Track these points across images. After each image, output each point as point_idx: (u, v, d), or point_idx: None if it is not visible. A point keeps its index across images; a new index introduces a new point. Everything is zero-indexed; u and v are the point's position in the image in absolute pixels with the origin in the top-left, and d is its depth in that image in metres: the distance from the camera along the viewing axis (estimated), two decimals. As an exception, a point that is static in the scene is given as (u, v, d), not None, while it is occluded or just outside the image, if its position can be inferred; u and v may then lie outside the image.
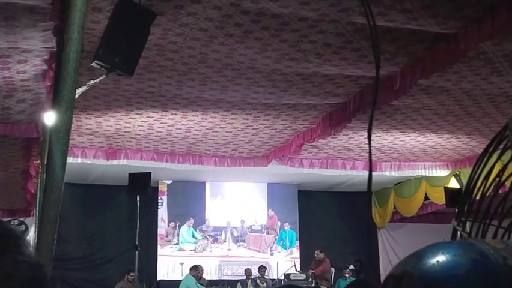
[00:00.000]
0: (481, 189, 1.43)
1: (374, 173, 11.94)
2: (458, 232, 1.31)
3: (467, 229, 1.31)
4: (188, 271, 13.60)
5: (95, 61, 5.55)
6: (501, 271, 0.86)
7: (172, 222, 15.74)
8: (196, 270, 13.27)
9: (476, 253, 0.88)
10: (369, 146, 1.33)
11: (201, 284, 13.22)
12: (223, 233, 16.08)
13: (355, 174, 13.14)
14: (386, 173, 12.71)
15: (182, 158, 11.99)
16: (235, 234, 16.14)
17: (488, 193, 1.44)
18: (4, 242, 0.81)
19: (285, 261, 15.65)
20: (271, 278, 14.70)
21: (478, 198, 1.43)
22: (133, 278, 12.35)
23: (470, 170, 1.50)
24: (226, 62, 7.19)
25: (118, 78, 7.24)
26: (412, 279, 0.88)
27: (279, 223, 16.44)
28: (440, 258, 0.88)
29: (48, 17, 5.54)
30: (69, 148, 4.97)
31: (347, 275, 13.61)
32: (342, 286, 13.43)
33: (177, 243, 15.69)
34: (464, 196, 1.41)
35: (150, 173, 11.56)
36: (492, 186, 1.45)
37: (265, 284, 13.70)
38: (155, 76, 7.66)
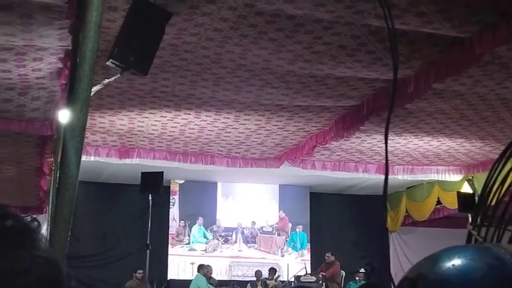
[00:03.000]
0: (497, 194, 1.42)
1: (386, 177, 11.88)
2: (473, 237, 1.31)
3: (483, 234, 1.30)
4: (197, 271, 13.63)
5: (110, 60, 5.58)
6: (517, 276, 0.86)
7: (182, 222, 15.77)
8: (204, 268, 13.28)
9: (492, 257, 0.88)
10: (386, 149, 1.33)
11: (210, 284, 13.24)
12: (234, 233, 16.09)
13: (367, 177, 13.11)
14: (398, 177, 12.66)
15: (194, 158, 12.00)
16: (246, 235, 16.15)
17: (503, 199, 1.43)
18: (20, 237, 0.82)
19: (296, 263, 15.63)
20: (282, 279, 14.69)
21: (493, 203, 1.42)
22: (141, 275, 12.38)
23: (485, 175, 1.49)
24: (240, 62, 7.19)
25: (132, 78, 7.26)
26: (427, 282, 0.88)
27: (290, 225, 16.43)
28: (456, 261, 0.88)
29: (65, 15, 5.57)
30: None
31: (357, 278, 13.58)
32: (352, 289, 13.41)
33: (188, 243, 15.72)
34: (479, 200, 1.41)
35: (162, 172, 11.59)
36: (508, 192, 1.44)
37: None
38: (169, 76, 7.68)
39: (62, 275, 0.84)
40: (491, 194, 1.38)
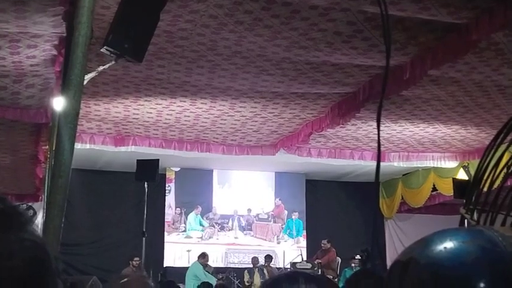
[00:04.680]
0: (490, 179, 1.42)
1: (382, 164, 11.82)
2: (466, 220, 1.31)
3: (475, 217, 1.30)
4: (194, 258, 13.66)
5: (105, 47, 5.55)
6: (510, 259, 0.85)
7: (178, 209, 15.78)
8: (204, 257, 13.33)
9: (485, 240, 0.87)
10: (378, 136, 1.32)
11: (207, 271, 13.27)
12: (230, 221, 16.11)
13: (363, 164, 13.11)
14: (394, 164, 12.68)
15: (190, 146, 11.99)
16: (242, 222, 16.17)
17: (496, 183, 1.42)
18: (8, 220, 0.82)
19: (292, 250, 15.67)
20: (278, 266, 14.73)
21: (486, 188, 1.42)
22: (137, 263, 12.40)
23: (479, 160, 1.48)
24: (235, 49, 7.17)
25: (127, 65, 7.24)
26: (419, 265, 0.87)
27: (286, 212, 16.45)
28: (448, 244, 0.87)
29: (58, 2, 5.55)
30: (78, 134, 4.96)
31: (353, 265, 13.61)
32: (348, 275, 13.43)
33: (184, 231, 15.74)
34: (472, 184, 1.41)
35: (158, 160, 11.58)
36: (501, 177, 1.43)
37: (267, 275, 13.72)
38: (165, 63, 7.65)
39: (49, 258, 0.83)
40: (484, 179, 1.38)
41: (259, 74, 8.07)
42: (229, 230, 16.07)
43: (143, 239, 11.06)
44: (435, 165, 13.08)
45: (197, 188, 15.84)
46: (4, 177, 12.77)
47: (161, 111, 9.99)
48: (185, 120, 10.58)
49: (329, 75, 8.11)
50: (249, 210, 16.23)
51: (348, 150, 12.54)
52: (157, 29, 5.80)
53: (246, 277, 13.99)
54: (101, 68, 6.19)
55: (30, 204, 13.71)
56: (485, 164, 1.39)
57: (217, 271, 13.97)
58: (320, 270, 13.38)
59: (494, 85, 8.27)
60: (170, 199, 15.82)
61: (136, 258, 12.49)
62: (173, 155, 12.26)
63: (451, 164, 12.90)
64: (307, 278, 1.68)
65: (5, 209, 0.83)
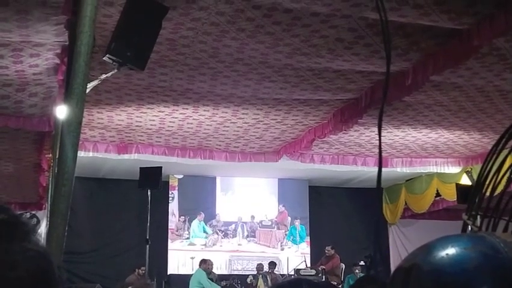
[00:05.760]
0: (492, 183, 1.42)
1: (385, 169, 11.91)
2: (469, 226, 1.31)
3: (478, 223, 1.30)
4: (198, 266, 13.64)
5: (107, 55, 5.58)
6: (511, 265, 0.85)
7: (182, 217, 15.77)
8: (205, 263, 13.30)
9: (487, 246, 0.87)
10: (380, 141, 1.32)
11: (210, 278, 13.25)
12: (233, 227, 16.10)
13: (366, 170, 13.11)
14: (397, 169, 12.66)
15: (193, 153, 11.99)
16: (246, 229, 16.16)
17: (499, 188, 1.42)
18: (12, 230, 0.82)
19: (295, 257, 15.65)
20: (281, 273, 14.71)
21: (488, 193, 1.42)
22: (143, 272, 12.39)
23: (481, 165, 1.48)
24: (237, 56, 7.18)
25: (129, 73, 7.26)
26: (421, 271, 0.87)
27: (289, 218, 16.43)
28: (450, 251, 0.88)
29: (61, 10, 5.57)
30: (81, 142, 4.98)
31: (357, 271, 13.58)
32: (351, 282, 13.40)
33: (188, 238, 15.73)
34: (474, 190, 1.41)
35: (161, 167, 11.59)
36: (503, 181, 1.43)
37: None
38: (167, 71, 7.67)
39: (53, 268, 0.84)
40: (486, 184, 1.38)
41: (261, 80, 8.09)
42: (233, 237, 16.06)
43: (147, 246, 11.05)
44: (438, 171, 13.07)
45: (200, 195, 15.84)
46: (7, 185, 12.79)
47: (164, 118, 10.00)
48: (188, 128, 10.59)
49: (331, 82, 8.12)
50: (253, 217, 16.22)
51: (351, 156, 12.54)
52: (159, 37, 5.83)
53: (249, 278, 13.94)
54: (103, 76, 6.23)
55: (33, 212, 13.72)
56: (487, 169, 1.39)
57: (221, 278, 13.96)
58: (324, 276, 13.36)
59: (497, 90, 8.27)
60: (173, 206, 15.81)
61: (142, 268, 12.48)
62: (176, 163, 12.27)
63: (454, 169, 12.89)
64: (311, 284, 1.68)
65: (8, 219, 0.84)
